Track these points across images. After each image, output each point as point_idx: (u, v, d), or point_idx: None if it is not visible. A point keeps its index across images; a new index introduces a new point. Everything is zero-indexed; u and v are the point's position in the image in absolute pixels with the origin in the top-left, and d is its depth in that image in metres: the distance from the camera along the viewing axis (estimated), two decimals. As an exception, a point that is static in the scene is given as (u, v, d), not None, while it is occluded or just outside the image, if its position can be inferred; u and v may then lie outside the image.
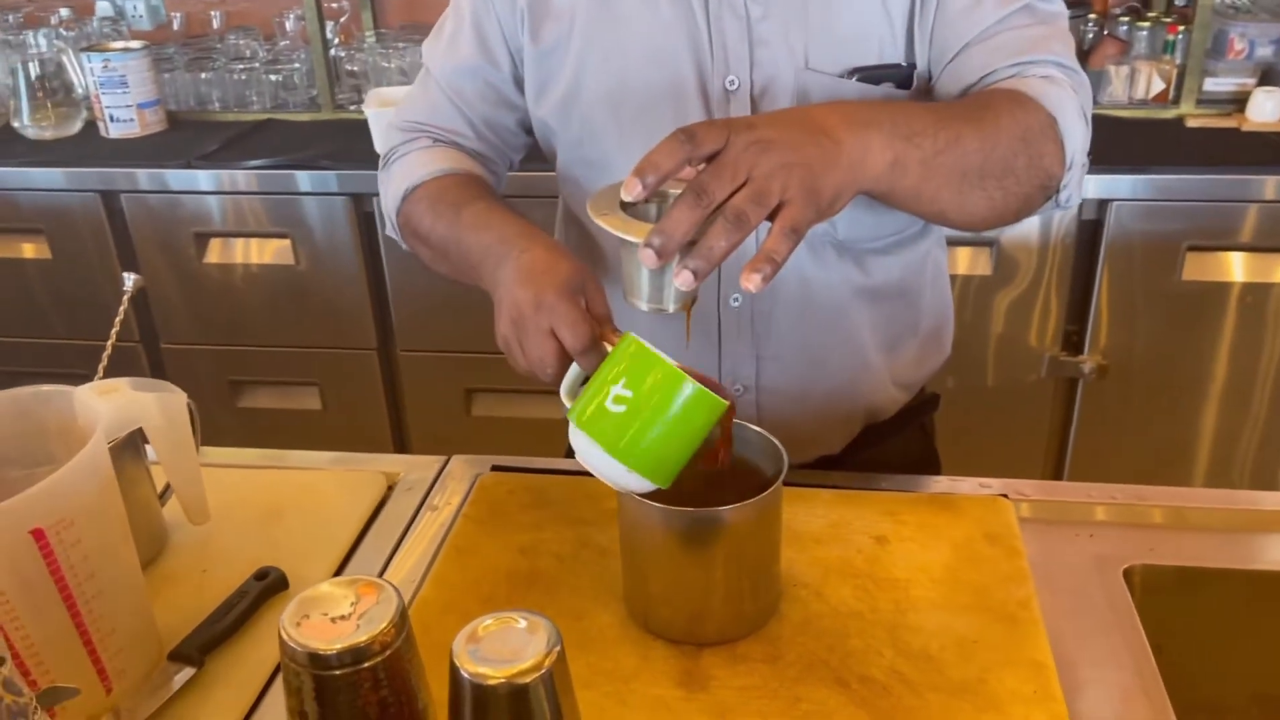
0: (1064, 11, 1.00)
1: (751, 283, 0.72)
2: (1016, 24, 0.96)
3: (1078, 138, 0.93)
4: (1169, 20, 2.23)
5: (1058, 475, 2.25)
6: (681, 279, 0.73)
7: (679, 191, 0.73)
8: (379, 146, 2.15)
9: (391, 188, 1.10)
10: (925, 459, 1.24)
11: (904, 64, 1.00)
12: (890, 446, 1.18)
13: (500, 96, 1.10)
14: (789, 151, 0.74)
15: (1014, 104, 0.91)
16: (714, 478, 0.84)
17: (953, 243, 1.87)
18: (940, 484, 1.04)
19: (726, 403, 0.75)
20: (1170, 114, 2.20)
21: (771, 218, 0.74)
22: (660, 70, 1.01)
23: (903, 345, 1.15)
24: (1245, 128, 2.13)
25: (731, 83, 1.00)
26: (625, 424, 0.74)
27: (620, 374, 0.74)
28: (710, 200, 0.72)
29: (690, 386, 0.73)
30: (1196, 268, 2.01)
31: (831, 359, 1.11)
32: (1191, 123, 2.18)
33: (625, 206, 0.78)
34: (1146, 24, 2.25)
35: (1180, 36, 2.19)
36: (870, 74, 0.99)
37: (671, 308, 0.79)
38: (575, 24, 1.03)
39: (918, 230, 1.11)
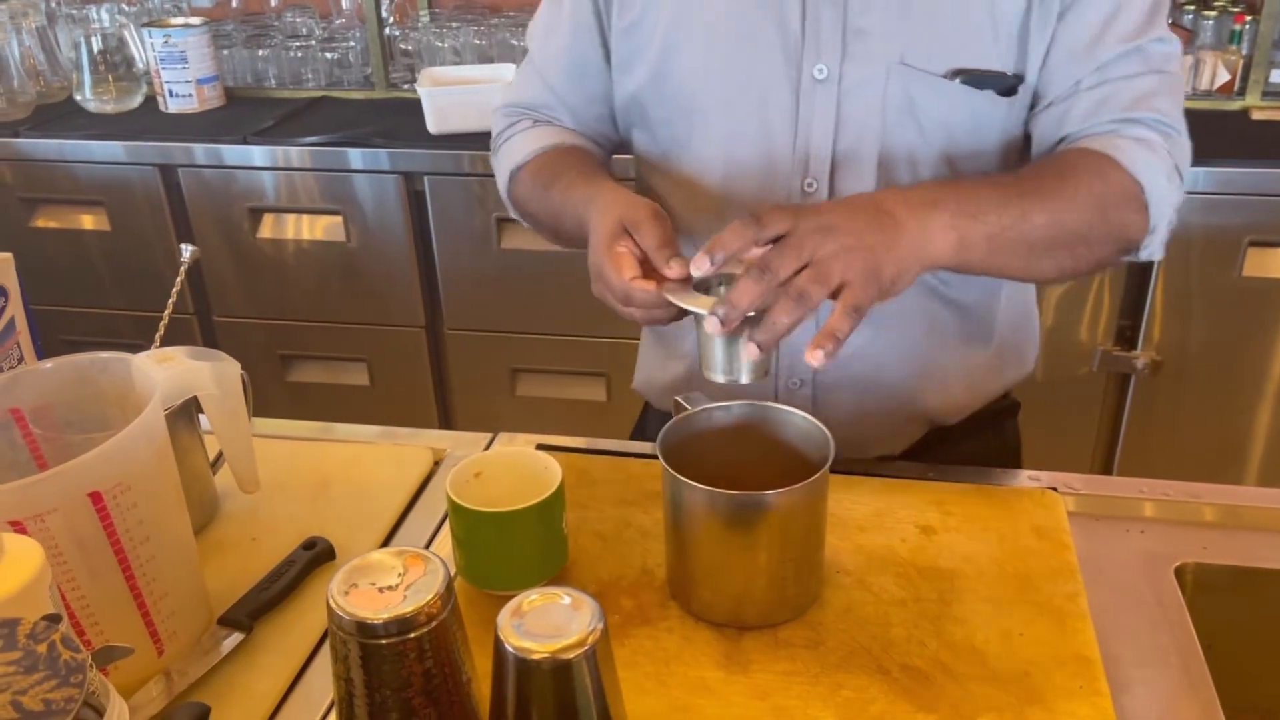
0: (1177, 53, 0.98)
1: (815, 359, 0.77)
2: (1128, 71, 0.95)
3: (1166, 203, 0.94)
4: (1236, 10, 2.17)
5: (1107, 470, 2.21)
6: (749, 351, 0.78)
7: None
8: (431, 126, 2.16)
9: (501, 172, 1.14)
10: (1001, 464, 1.18)
11: (1010, 73, 0.97)
12: (959, 450, 1.13)
13: (595, 79, 1.10)
14: (851, 236, 0.79)
15: (1097, 173, 0.92)
16: (761, 461, 0.84)
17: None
18: (989, 476, 1.03)
19: None
20: (1235, 105, 2.15)
21: (834, 296, 0.78)
22: (748, 52, 0.99)
23: (972, 354, 1.12)
24: (1313, 121, 2.08)
25: (820, 72, 0.97)
26: None
27: None
28: (774, 277, 0.77)
29: None
30: (1258, 263, 1.96)
31: (892, 361, 1.08)
32: (1257, 115, 2.12)
33: (696, 285, 0.84)
34: (1213, 13, 2.19)
35: (1247, 26, 2.13)
36: (974, 77, 0.96)
37: (744, 379, 0.83)
38: (662, 5, 1.01)
39: None
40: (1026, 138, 1.02)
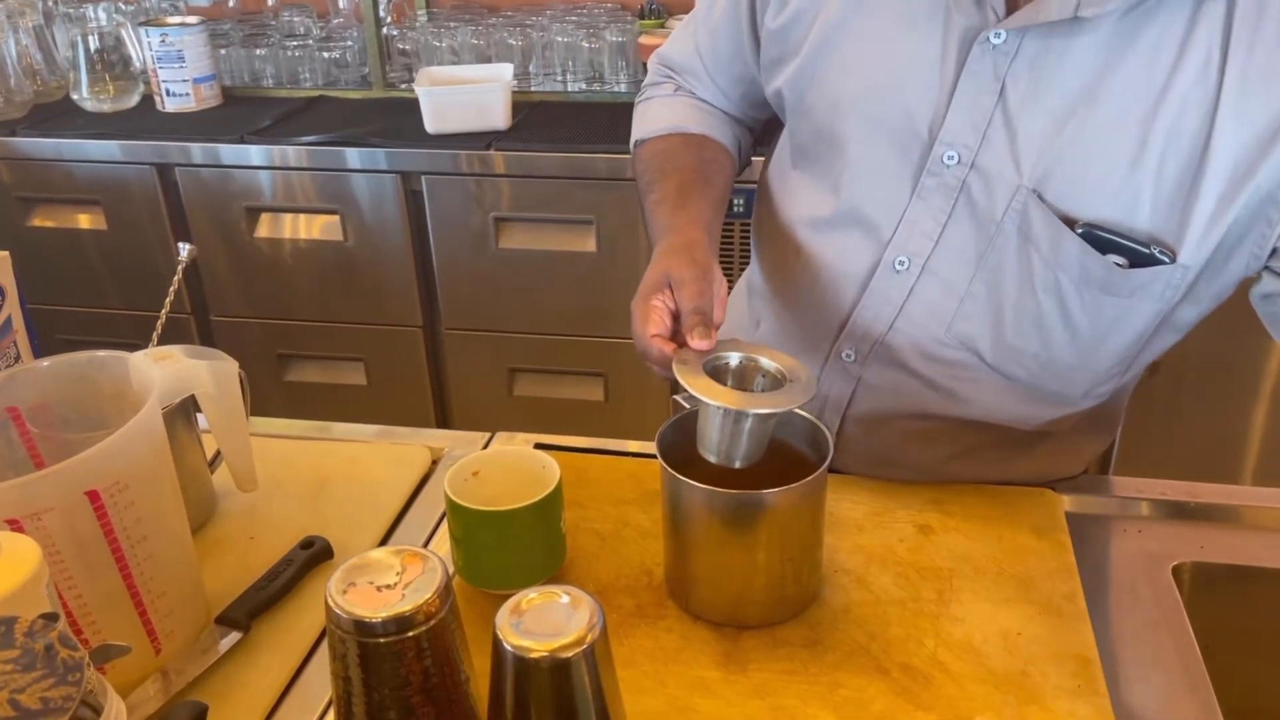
0: None
1: None
2: None
3: None
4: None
5: (1104, 470, 2.21)
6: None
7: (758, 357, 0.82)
8: (429, 126, 2.16)
9: (635, 131, 1.13)
10: None
11: (1155, 251, 0.84)
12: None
13: (743, 67, 1.07)
14: None
15: None
16: (760, 461, 0.84)
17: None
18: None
19: None
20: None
21: None
22: (881, 106, 0.90)
23: (1039, 442, 1.02)
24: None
25: (950, 159, 0.88)
26: None
27: None
28: None
29: None
30: (1254, 264, 1.96)
31: (931, 429, 1.01)
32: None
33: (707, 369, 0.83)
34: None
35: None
36: (1102, 237, 0.84)
37: (738, 464, 0.83)
38: (821, 10, 0.93)
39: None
40: (1185, 322, 0.93)
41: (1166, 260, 0.84)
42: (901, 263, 0.93)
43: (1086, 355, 0.93)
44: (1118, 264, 0.85)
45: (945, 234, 0.91)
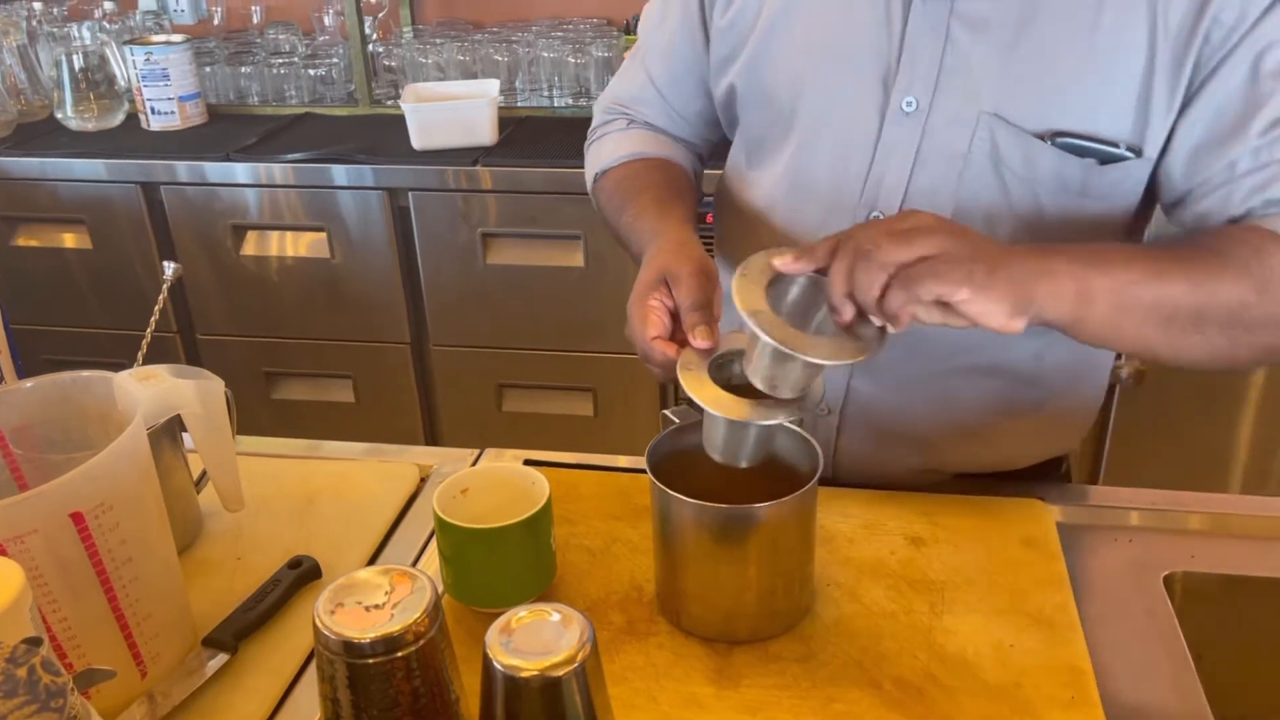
0: None
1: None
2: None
3: None
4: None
5: (1094, 480, 2.22)
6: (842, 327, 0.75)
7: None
8: (415, 142, 2.15)
9: (589, 168, 1.14)
10: None
11: (1123, 144, 0.88)
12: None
13: (696, 80, 1.09)
14: (943, 237, 0.74)
15: (1256, 249, 0.83)
16: (749, 474, 0.84)
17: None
18: (977, 487, 1.03)
19: None
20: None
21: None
22: (841, 67, 0.94)
23: (1017, 421, 1.04)
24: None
25: (909, 104, 0.91)
26: None
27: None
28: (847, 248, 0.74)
29: None
30: (1239, 273, 1.98)
31: (923, 414, 1.03)
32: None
33: (712, 371, 0.81)
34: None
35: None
36: (1074, 142, 0.88)
37: (743, 464, 0.83)
38: (766, 2, 0.98)
39: None
40: (1136, 216, 0.96)
41: (1133, 157, 0.89)
42: (876, 216, 0.95)
43: None
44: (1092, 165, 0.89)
45: (914, 182, 0.93)
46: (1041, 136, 0.89)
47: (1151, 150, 0.89)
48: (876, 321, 0.75)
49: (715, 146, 1.17)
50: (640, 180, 1.06)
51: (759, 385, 0.78)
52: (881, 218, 0.93)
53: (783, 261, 0.76)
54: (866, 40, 0.93)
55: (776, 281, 0.77)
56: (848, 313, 0.74)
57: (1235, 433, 2.12)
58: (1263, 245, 0.83)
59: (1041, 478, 1.09)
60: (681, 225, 0.95)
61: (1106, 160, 0.89)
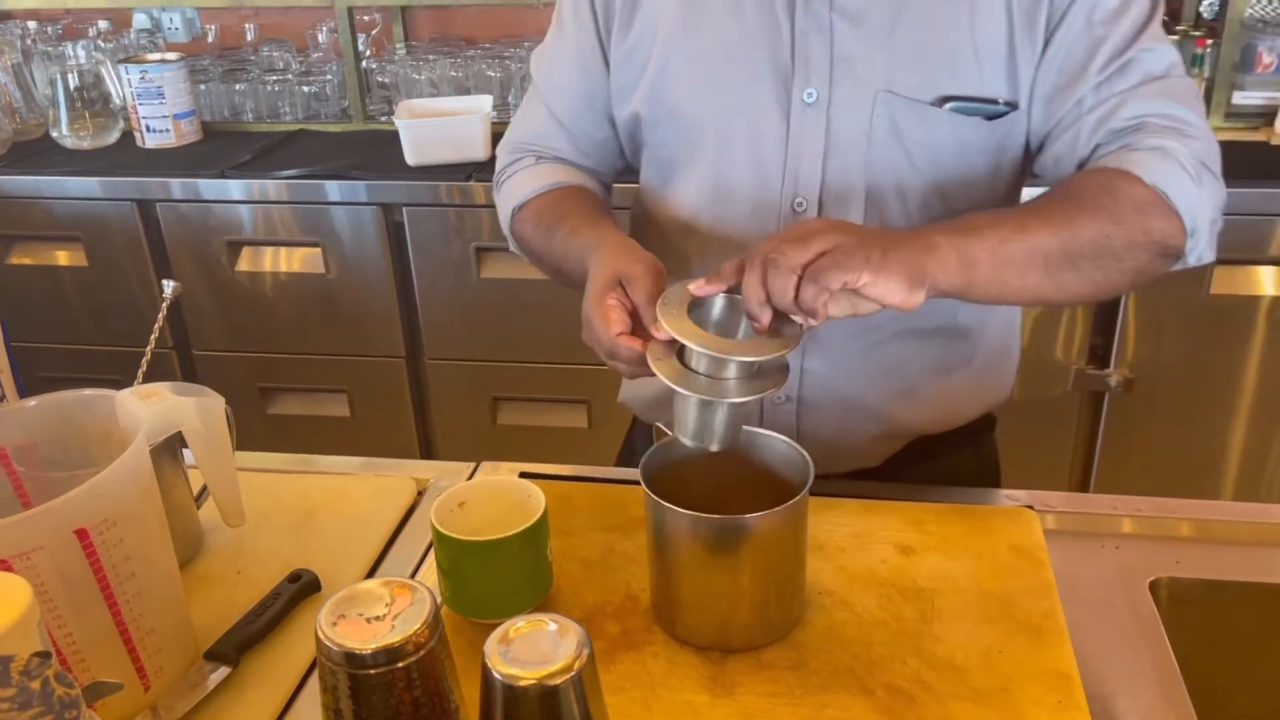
0: (1174, 58, 0.97)
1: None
2: (1125, 84, 0.94)
3: (1199, 204, 0.91)
4: (1197, 34, 2.22)
5: (1083, 488, 2.24)
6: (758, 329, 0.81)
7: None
8: (409, 158, 2.17)
9: (503, 209, 1.15)
10: (980, 479, 1.19)
11: (1001, 100, 0.98)
12: (939, 464, 1.15)
13: (599, 110, 1.12)
14: (839, 235, 0.81)
15: (1103, 185, 0.91)
16: (742, 485, 0.85)
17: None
18: (966, 495, 1.05)
19: None
20: (1199, 127, 2.19)
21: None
22: (740, 73, 1.01)
23: (953, 377, 1.13)
24: (1274, 141, 2.12)
25: (810, 95, 0.99)
26: None
27: None
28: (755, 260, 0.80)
29: None
30: (1225, 281, 2.00)
31: (873, 381, 1.10)
32: (1220, 136, 2.15)
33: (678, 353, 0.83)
34: (1174, 37, 2.24)
35: (1208, 50, 2.18)
36: (962, 104, 0.97)
37: (715, 447, 0.84)
38: (660, 23, 1.03)
39: None
40: (1021, 167, 1.04)
41: (1011, 110, 0.98)
42: (800, 204, 1.02)
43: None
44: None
45: (828, 166, 1.00)
46: (933, 104, 0.97)
47: (1025, 102, 0.99)
48: (797, 319, 0.81)
49: (619, 174, 1.20)
50: (564, 204, 1.08)
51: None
52: (803, 205, 1.02)
53: (697, 286, 0.83)
54: (761, 45, 0.99)
55: (695, 306, 0.83)
56: (765, 317, 0.80)
57: (1224, 438, 2.14)
58: (1109, 181, 0.91)
59: (981, 434, 1.20)
60: (619, 233, 0.99)
61: (991, 117, 0.98)
